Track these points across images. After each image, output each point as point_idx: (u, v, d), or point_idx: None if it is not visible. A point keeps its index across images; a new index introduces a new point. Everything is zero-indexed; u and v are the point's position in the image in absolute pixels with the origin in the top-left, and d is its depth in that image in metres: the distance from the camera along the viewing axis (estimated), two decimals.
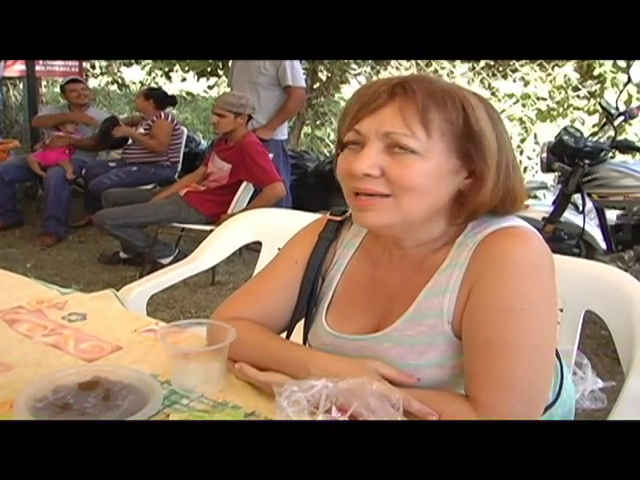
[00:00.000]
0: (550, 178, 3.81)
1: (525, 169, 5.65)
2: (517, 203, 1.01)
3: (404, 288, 1.03)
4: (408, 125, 0.92)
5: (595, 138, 3.20)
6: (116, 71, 9.38)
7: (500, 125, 0.98)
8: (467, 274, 0.97)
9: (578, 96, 5.75)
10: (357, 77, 6.98)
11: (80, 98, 5.16)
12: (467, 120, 0.94)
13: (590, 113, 5.62)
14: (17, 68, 6.97)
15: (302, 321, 1.16)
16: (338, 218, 1.16)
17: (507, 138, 0.99)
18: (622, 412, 1.10)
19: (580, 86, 5.73)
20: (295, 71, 4.28)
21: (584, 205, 3.03)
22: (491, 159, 0.95)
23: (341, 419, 0.79)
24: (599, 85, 5.64)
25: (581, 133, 3.20)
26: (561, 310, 1.30)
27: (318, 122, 7.07)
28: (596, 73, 5.56)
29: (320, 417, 0.79)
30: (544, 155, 3.18)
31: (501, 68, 6.13)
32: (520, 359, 0.90)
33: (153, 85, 8.06)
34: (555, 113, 5.77)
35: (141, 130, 4.84)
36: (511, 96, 5.96)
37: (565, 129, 3.18)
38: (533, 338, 0.91)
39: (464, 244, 0.99)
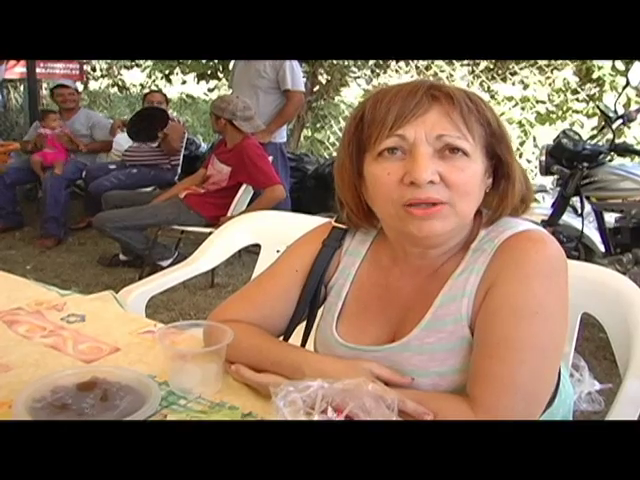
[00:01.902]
0: (549, 181, 3.81)
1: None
2: (530, 202, 1.03)
3: (419, 296, 1.02)
4: (457, 127, 0.92)
5: (594, 141, 3.20)
6: (117, 74, 9.40)
7: None
8: (485, 277, 0.96)
9: (577, 99, 5.77)
10: (357, 80, 6.99)
11: (66, 102, 5.19)
12: (497, 121, 0.96)
13: (589, 116, 5.63)
14: (18, 70, 6.99)
15: (300, 327, 1.16)
16: (343, 226, 1.13)
17: None
18: (619, 414, 1.10)
19: (579, 89, 5.75)
20: (295, 75, 4.29)
21: (583, 208, 3.03)
22: (514, 157, 0.98)
23: (337, 419, 0.79)
24: (598, 88, 5.66)
25: (580, 136, 3.20)
26: None
27: (318, 125, 7.08)
28: (595, 76, 5.57)
29: (316, 417, 0.79)
30: (543, 158, 3.19)
31: (500, 71, 6.15)
32: (527, 361, 0.90)
33: (154, 87, 8.09)
34: (554, 116, 5.79)
35: None
36: (510, 99, 5.98)
37: (564, 132, 3.19)
38: (543, 341, 0.91)
39: (481, 249, 0.98)
